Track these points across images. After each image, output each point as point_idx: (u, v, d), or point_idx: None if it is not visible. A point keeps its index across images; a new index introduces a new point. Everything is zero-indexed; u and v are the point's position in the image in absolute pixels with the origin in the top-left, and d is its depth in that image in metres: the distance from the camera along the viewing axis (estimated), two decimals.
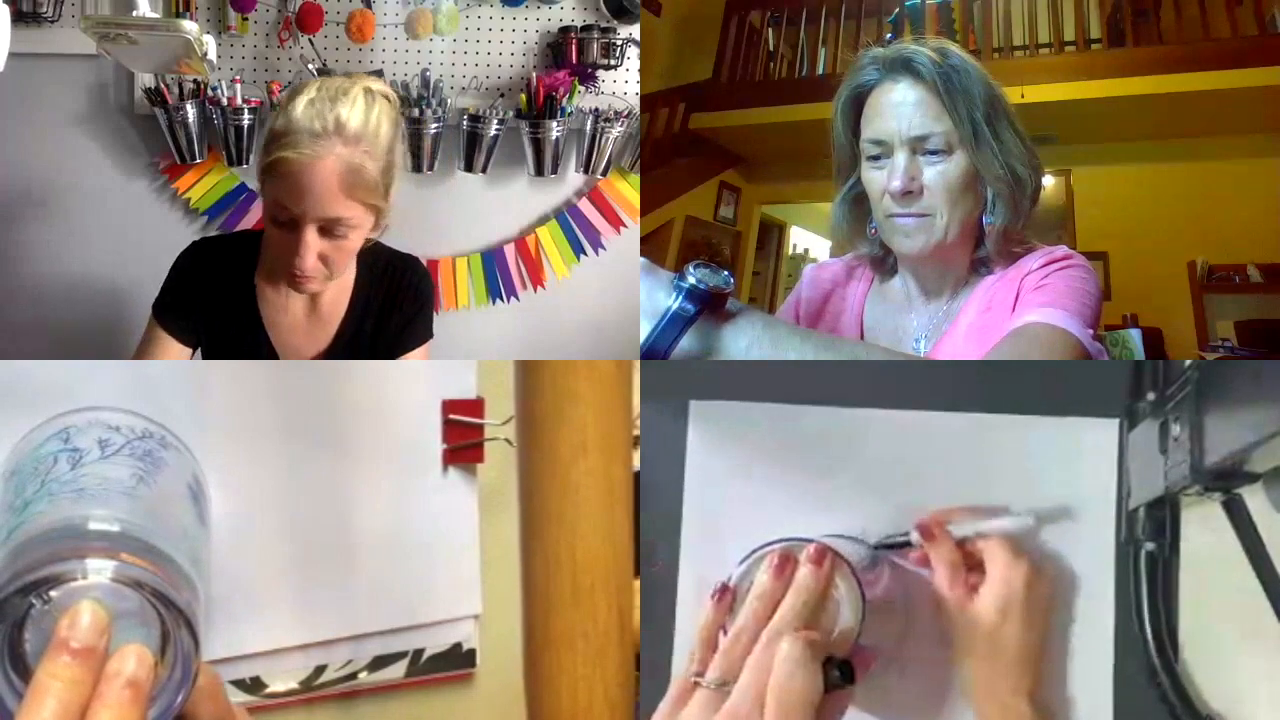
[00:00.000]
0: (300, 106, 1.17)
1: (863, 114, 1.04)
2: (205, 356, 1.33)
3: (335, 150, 1.15)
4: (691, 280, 0.62)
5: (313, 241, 1.17)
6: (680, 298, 0.63)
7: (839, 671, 0.65)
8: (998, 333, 0.95)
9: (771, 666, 0.63)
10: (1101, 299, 0.98)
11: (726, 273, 0.63)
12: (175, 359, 1.30)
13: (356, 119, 1.17)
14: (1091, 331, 0.91)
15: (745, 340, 0.63)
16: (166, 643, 0.56)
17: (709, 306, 0.63)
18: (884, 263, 1.12)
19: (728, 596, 0.71)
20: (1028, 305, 0.95)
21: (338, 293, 1.30)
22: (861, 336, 1.11)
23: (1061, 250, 1.02)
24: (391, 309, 1.32)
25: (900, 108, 1.00)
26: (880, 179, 1.02)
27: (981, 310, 1.01)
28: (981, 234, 1.03)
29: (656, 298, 0.63)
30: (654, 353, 0.62)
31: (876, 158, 1.02)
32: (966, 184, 1.00)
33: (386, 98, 1.24)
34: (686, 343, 0.62)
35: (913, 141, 0.99)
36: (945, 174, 0.99)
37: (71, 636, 0.52)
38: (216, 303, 1.30)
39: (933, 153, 0.99)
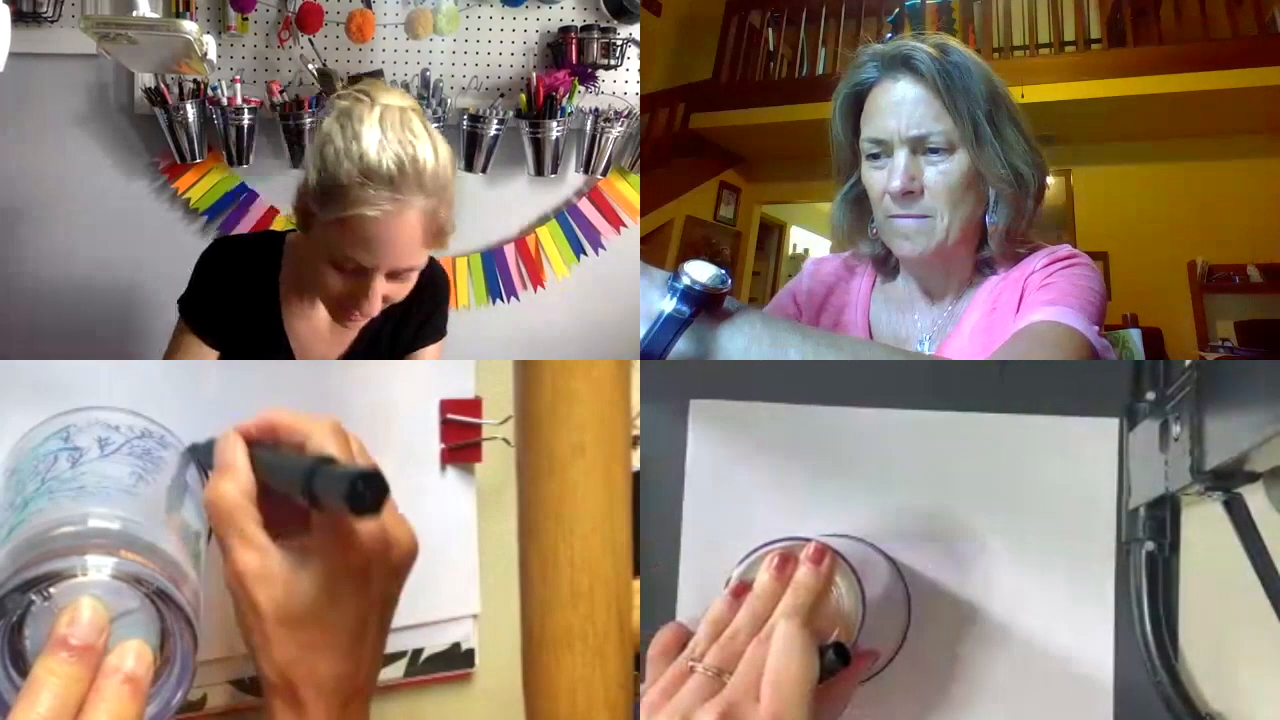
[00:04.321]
0: (370, 147, 1.06)
1: (862, 113, 1.03)
2: (224, 357, 1.31)
3: (417, 203, 1.08)
4: (686, 281, 0.61)
5: (381, 288, 1.13)
6: (675, 299, 0.61)
7: (835, 655, 0.65)
8: (1003, 333, 0.94)
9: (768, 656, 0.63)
10: (1106, 296, 0.97)
11: (724, 271, 0.61)
12: (204, 359, 1.28)
13: (433, 162, 1.08)
14: (1097, 328, 0.91)
15: (744, 340, 0.62)
16: (165, 640, 0.56)
17: (705, 307, 0.61)
18: (886, 263, 1.11)
19: (745, 594, 0.70)
20: (1033, 304, 0.94)
21: None
22: (869, 335, 1.10)
23: (1065, 249, 1.01)
24: (410, 311, 1.29)
25: (900, 106, 0.98)
26: (880, 179, 1.00)
27: (986, 311, 1.01)
28: (984, 234, 1.02)
29: (652, 299, 0.61)
30: (650, 356, 0.61)
31: (876, 157, 1.01)
32: (968, 184, 0.98)
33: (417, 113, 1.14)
34: (684, 344, 0.61)
35: (913, 141, 0.98)
36: (946, 174, 0.98)
37: (71, 633, 0.52)
38: (239, 305, 1.28)
39: (933, 151, 0.98)
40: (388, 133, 1.08)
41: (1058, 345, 0.87)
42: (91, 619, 0.53)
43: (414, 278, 1.18)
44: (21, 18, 1.66)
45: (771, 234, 3.20)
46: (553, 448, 0.76)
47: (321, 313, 1.29)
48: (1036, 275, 0.98)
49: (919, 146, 0.98)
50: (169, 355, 1.32)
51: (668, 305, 0.61)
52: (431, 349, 1.35)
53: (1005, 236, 1.01)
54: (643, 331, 0.62)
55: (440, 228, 1.14)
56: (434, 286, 1.32)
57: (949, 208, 0.98)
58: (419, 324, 1.33)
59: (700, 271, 0.61)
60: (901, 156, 0.98)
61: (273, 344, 1.29)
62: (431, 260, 1.32)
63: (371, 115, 1.09)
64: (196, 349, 1.29)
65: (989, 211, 1.00)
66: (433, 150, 1.10)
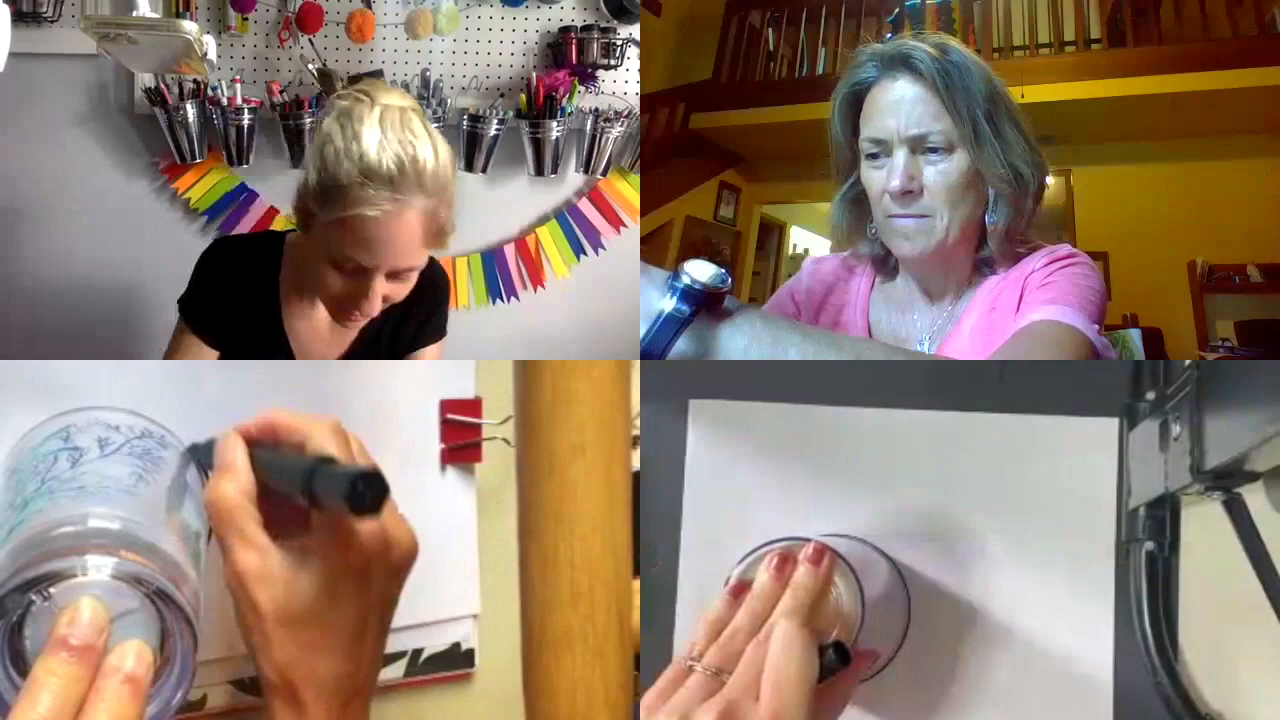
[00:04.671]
0: (370, 148, 1.06)
1: (861, 112, 1.03)
2: (224, 357, 1.31)
3: (417, 203, 1.08)
4: (686, 280, 0.60)
5: (381, 288, 1.13)
6: (675, 298, 0.60)
7: (835, 654, 0.65)
8: (1002, 333, 0.94)
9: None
10: (1105, 295, 0.97)
11: (724, 270, 0.61)
12: (204, 359, 1.28)
13: (433, 162, 1.08)
14: (1098, 327, 0.91)
15: (744, 339, 0.61)
16: (165, 640, 0.56)
17: (705, 306, 0.61)
18: (885, 263, 1.11)
19: (744, 593, 0.70)
20: (1033, 304, 0.94)
21: None
22: (868, 335, 1.10)
23: (1064, 249, 1.01)
24: (409, 311, 1.29)
25: (899, 105, 0.98)
26: (879, 178, 1.00)
27: (986, 311, 1.01)
28: (984, 234, 1.02)
29: (651, 298, 0.61)
30: (649, 355, 0.60)
31: (875, 156, 1.01)
32: (967, 184, 0.98)
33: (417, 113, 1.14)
34: (683, 344, 0.60)
35: (912, 140, 0.98)
36: (946, 173, 0.98)
37: (71, 633, 0.52)
38: (239, 305, 1.28)
39: (932, 151, 0.97)
40: (388, 133, 1.08)
41: (1058, 344, 0.87)
42: (91, 619, 0.53)
43: (414, 278, 1.18)
44: (21, 18, 1.66)
45: (771, 234, 3.20)
46: (553, 448, 0.76)
47: (321, 313, 1.28)
48: (1036, 275, 0.98)
49: (918, 146, 0.98)
50: (169, 355, 1.32)
51: (667, 304, 0.60)
52: (432, 349, 1.35)
53: (1005, 236, 1.01)
54: (642, 331, 0.62)
55: (440, 228, 1.14)
56: (434, 287, 1.32)
57: (948, 207, 0.98)
58: (419, 324, 1.32)
59: (700, 270, 0.60)
60: (901, 156, 0.98)
61: (273, 344, 1.29)
62: (432, 260, 1.31)
63: (371, 115, 1.09)
64: (196, 349, 1.29)
65: (988, 211, 1.00)
66: (433, 150, 1.10)
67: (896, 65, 0.99)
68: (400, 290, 1.18)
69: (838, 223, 1.10)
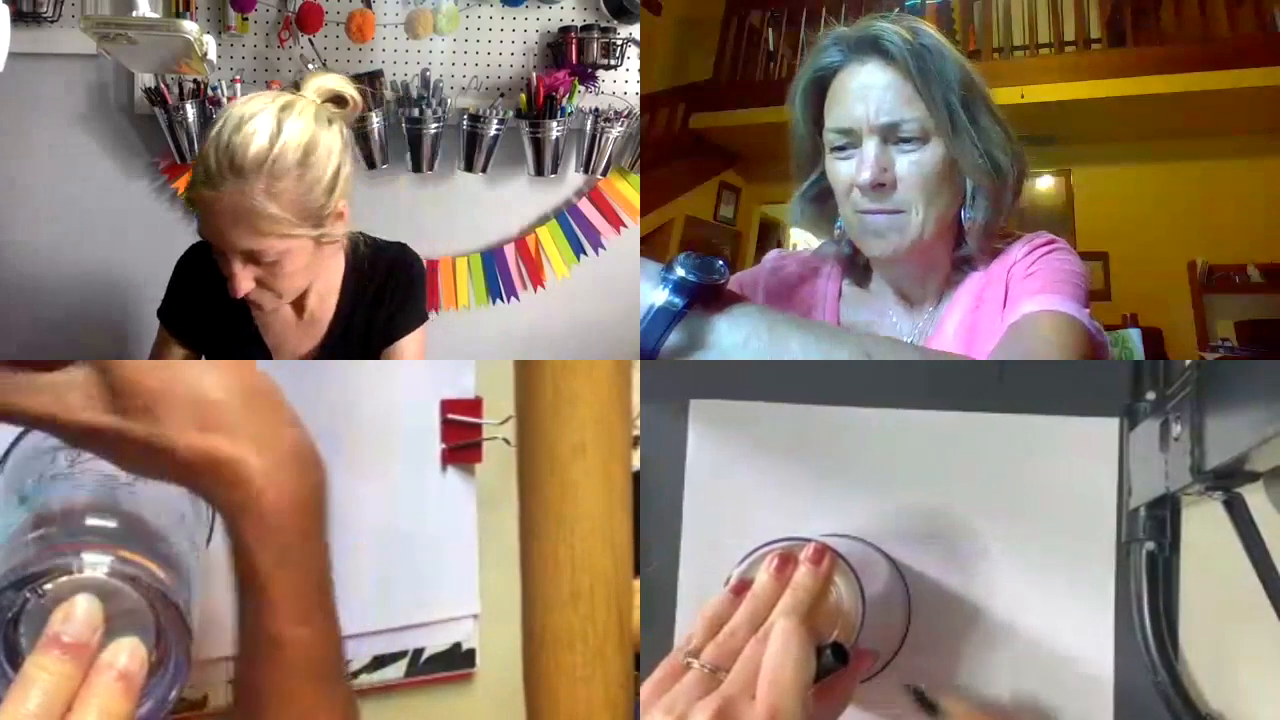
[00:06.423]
0: (209, 138, 1.12)
1: (826, 100, 0.95)
2: (207, 359, 1.33)
3: (230, 189, 1.10)
4: (680, 272, 0.58)
5: (241, 271, 1.15)
6: (668, 290, 0.58)
7: (833, 654, 0.64)
8: (989, 330, 0.92)
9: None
10: (1088, 278, 0.94)
11: (721, 263, 0.59)
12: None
13: (251, 152, 1.10)
14: (1088, 310, 0.88)
15: (741, 334, 0.59)
16: (160, 640, 0.56)
17: (700, 300, 0.59)
18: (854, 264, 1.03)
19: (745, 592, 0.70)
20: (1021, 295, 0.91)
21: (326, 290, 1.29)
22: None
23: (1042, 236, 0.97)
24: (380, 299, 1.29)
25: (868, 91, 0.91)
26: (847, 171, 0.93)
27: (970, 309, 0.96)
28: (961, 231, 0.96)
29: (645, 291, 0.59)
30: (643, 348, 0.58)
31: (842, 148, 0.93)
32: (943, 175, 0.91)
33: (316, 111, 1.17)
34: (677, 338, 0.58)
35: (883, 129, 0.90)
36: (920, 164, 0.91)
37: (64, 631, 0.52)
38: (214, 307, 1.29)
39: (905, 140, 0.91)
40: (225, 124, 1.11)
41: (1054, 332, 0.85)
42: (85, 617, 0.53)
43: (287, 264, 1.16)
44: (21, 18, 1.66)
45: (771, 234, 3.20)
46: (553, 448, 0.76)
47: (287, 306, 1.28)
48: (1019, 266, 0.94)
49: (890, 135, 0.91)
50: None
51: (660, 297, 0.58)
52: (412, 339, 1.32)
53: (983, 233, 0.95)
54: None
55: (262, 218, 1.12)
56: (402, 274, 1.31)
57: (923, 201, 0.91)
58: (391, 314, 1.30)
59: (693, 262, 0.58)
60: (871, 146, 0.91)
61: (248, 343, 1.30)
62: (402, 249, 1.33)
63: (230, 109, 1.13)
64: (178, 355, 1.33)
65: (966, 206, 0.94)
66: (265, 141, 1.11)
67: (864, 48, 0.92)
68: (274, 278, 1.17)
69: (798, 223, 1.05)
